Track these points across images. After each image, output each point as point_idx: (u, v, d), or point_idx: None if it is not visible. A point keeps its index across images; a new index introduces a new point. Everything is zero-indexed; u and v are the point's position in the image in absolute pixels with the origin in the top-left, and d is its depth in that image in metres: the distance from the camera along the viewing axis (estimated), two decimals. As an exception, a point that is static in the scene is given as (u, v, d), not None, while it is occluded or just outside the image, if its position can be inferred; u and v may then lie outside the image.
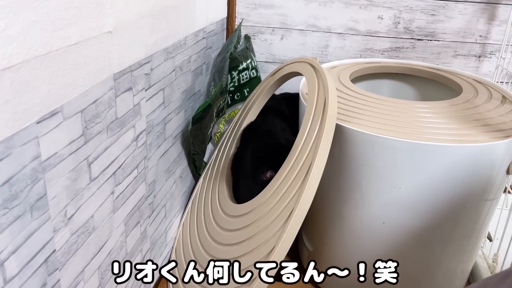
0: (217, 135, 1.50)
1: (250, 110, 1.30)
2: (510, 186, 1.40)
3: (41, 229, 0.64)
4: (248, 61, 1.48)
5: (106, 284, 0.88)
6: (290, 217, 0.83)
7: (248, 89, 1.51)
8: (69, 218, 0.72)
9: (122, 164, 0.88)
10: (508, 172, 1.02)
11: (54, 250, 0.69)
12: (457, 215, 1.02)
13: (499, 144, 0.94)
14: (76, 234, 0.74)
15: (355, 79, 1.38)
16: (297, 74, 1.20)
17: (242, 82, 1.49)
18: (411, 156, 0.94)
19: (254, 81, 1.50)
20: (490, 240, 1.39)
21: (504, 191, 1.37)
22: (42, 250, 0.65)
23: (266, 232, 0.87)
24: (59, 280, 0.71)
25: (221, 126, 1.53)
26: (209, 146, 1.48)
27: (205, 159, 1.43)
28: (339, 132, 0.98)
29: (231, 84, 1.47)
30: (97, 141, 0.77)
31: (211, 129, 1.32)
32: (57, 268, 0.70)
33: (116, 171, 0.86)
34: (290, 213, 0.84)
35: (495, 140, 0.95)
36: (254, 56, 1.54)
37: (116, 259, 0.91)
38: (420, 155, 0.93)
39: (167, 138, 1.13)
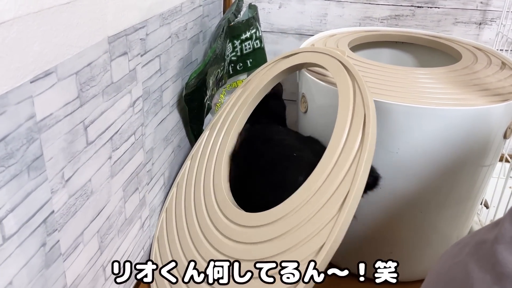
0: (218, 105, 1.50)
1: (253, 95, 1.17)
2: (508, 154, 1.41)
3: (38, 189, 0.65)
4: (253, 31, 1.46)
5: (106, 248, 0.90)
6: (345, 201, 0.79)
7: (251, 60, 1.49)
8: (67, 181, 0.72)
9: (119, 130, 0.89)
10: (505, 137, 1.02)
11: (53, 211, 0.69)
12: (453, 179, 1.03)
13: (496, 107, 0.94)
14: (74, 196, 0.75)
15: (354, 48, 1.37)
16: (319, 66, 1.07)
17: (245, 52, 1.48)
18: (408, 120, 0.94)
19: (258, 52, 1.49)
20: (487, 207, 1.40)
21: (501, 160, 1.37)
22: (40, 210, 0.66)
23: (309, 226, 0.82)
24: (58, 241, 0.72)
25: (222, 96, 1.53)
26: (210, 117, 1.47)
27: (204, 128, 1.43)
28: (336, 96, 0.98)
29: (233, 54, 1.46)
30: (93, 105, 0.77)
31: (208, 97, 1.31)
32: (56, 229, 0.71)
33: (113, 136, 0.86)
34: (345, 197, 0.80)
35: (493, 104, 0.94)
36: (260, 26, 1.52)
37: (115, 224, 0.92)
38: (417, 119, 0.93)
39: (164, 106, 1.13)
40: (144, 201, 1.07)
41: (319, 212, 0.81)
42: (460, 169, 1.01)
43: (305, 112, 1.12)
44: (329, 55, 1.04)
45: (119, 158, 0.90)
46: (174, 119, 1.23)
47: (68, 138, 0.71)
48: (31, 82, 0.60)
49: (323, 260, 0.76)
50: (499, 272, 0.39)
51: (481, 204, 1.37)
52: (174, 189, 1.19)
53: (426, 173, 1.00)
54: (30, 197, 0.63)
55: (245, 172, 1.07)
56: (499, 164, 1.42)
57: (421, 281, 0.55)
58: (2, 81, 0.54)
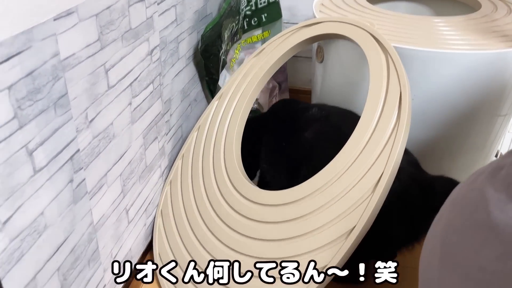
0: (233, 60, 1.50)
1: (267, 67, 1.11)
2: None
3: (64, 126, 0.67)
4: (268, -16, 1.44)
5: (128, 192, 0.93)
6: (379, 181, 0.77)
7: (265, 14, 1.48)
8: (90, 121, 0.75)
9: (138, 77, 0.90)
10: (523, 84, 1.02)
11: (78, 150, 0.72)
12: (469, 128, 1.03)
13: (514, 51, 0.93)
14: (97, 138, 0.78)
15: (372, 1, 1.35)
16: (347, 39, 1.00)
17: (259, 6, 1.47)
18: (425, 66, 0.94)
19: (273, 6, 1.47)
20: (502, 160, 1.40)
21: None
22: (67, 147, 0.69)
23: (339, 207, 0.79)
24: (84, 179, 0.75)
25: (237, 52, 1.53)
26: (224, 72, 1.48)
27: (220, 83, 1.44)
28: (353, 46, 0.98)
29: (248, 8, 1.45)
30: (113, 49, 0.79)
31: (223, 51, 1.32)
32: (82, 168, 0.74)
33: (132, 82, 0.88)
34: (379, 176, 0.78)
35: (510, 48, 0.93)
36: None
37: (136, 170, 0.95)
38: (434, 64, 0.93)
39: (180, 57, 1.14)
40: (163, 150, 1.10)
41: (350, 192, 0.79)
42: (475, 118, 1.02)
43: (321, 61, 1.12)
44: (358, 26, 0.98)
45: (139, 105, 0.93)
46: (190, 72, 1.24)
47: (91, 80, 0.73)
48: (54, 20, 0.61)
49: (352, 244, 0.75)
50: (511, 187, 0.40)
51: (495, 156, 1.37)
52: (179, 161, 1.13)
53: (442, 120, 1.00)
54: (57, 133, 0.66)
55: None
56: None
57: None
58: (27, 16, 0.56)
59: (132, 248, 1.00)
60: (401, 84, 0.85)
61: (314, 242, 0.79)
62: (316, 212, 0.82)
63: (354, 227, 0.76)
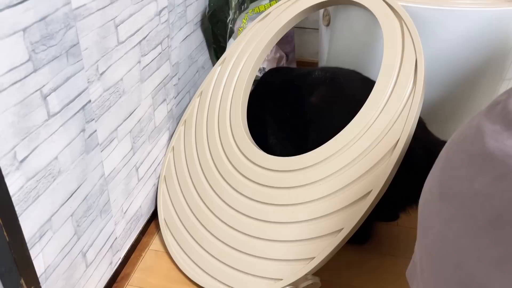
0: (240, 30, 1.51)
1: (273, 33, 1.10)
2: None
3: (76, 75, 0.70)
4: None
5: (138, 150, 0.96)
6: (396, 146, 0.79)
7: (272, -16, 1.48)
8: (101, 74, 0.77)
9: (146, 36, 0.92)
10: (528, 45, 1.02)
11: (90, 101, 0.75)
12: (474, 90, 1.04)
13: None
14: (108, 91, 0.80)
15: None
16: (359, 5, 0.98)
17: (267, -26, 1.47)
18: (429, 23, 0.94)
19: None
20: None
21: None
22: (79, 96, 0.71)
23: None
24: (95, 130, 0.78)
25: (244, 21, 1.53)
26: (232, 41, 1.49)
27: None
28: (360, 10, 0.98)
29: (254, -24, 1.45)
30: (122, 5, 0.80)
31: (230, 19, 1.33)
32: (93, 119, 0.77)
33: (141, 41, 0.90)
34: (396, 141, 0.79)
35: (516, 7, 0.94)
36: None
37: (145, 129, 0.98)
38: (438, 22, 0.93)
39: (188, 22, 1.16)
40: (172, 113, 1.12)
41: (367, 156, 0.81)
42: (480, 80, 1.02)
43: (327, 25, 1.13)
44: None
45: (148, 64, 0.95)
46: (198, 38, 1.25)
47: (101, 33, 0.75)
48: (66, -32, 0.63)
49: (369, 206, 0.76)
50: (509, 120, 0.42)
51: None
52: (181, 127, 1.13)
53: (447, 82, 1.01)
54: (70, 81, 0.68)
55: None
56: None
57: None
58: (40, -39, 0.58)
59: (142, 206, 1.03)
60: (417, 51, 0.86)
61: (330, 206, 0.81)
62: (332, 177, 0.83)
63: (371, 190, 0.78)
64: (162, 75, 1.03)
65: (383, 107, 0.83)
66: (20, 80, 0.58)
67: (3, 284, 0.62)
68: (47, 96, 0.64)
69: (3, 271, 0.61)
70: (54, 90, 0.65)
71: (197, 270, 0.93)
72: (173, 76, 1.10)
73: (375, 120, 0.83)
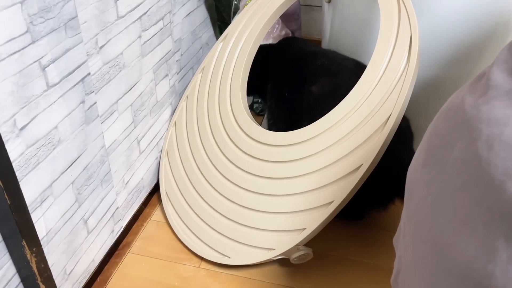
0: (245, 7, 1.51)
1: (274, 8, 1.11)
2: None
3: (75, 48, 0.72)
4: None
5: (139, 123, 0.99)
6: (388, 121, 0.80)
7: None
8: (100, 48, 0.79)
9: (147, 11, 0.94)
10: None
11: (89, 73, 0.77)
12: (475, 67, 1.03)
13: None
14: (108, 65, 0.82)
15: None
16: None
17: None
18: (435, 3, 0.94)
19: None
20: None
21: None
22: (78, 68, 0.74)
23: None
24: (95, 102, 0.80)
25: (248, -1, 1.53)
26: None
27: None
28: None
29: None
30: (121, -21, 0.82)
31: (235, -5, 1.33)
32: (93, 91, 0.79)
33: (141, 16, 0.92)
34: (388, 116, 0.80)
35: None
36: None
37: (147, 103, 1.00)
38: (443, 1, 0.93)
39: (191, -2, 1.17)
40: (174, 89, 1.15)
41: (359, 130, 0.82)
42: (481, 57, 1.02)
43: (329, 1, 1.13)
44: None
45: (149, 39, 0.96)
46: (202, 14, 1.26)
47: (100, 6, 0.77)
48: None
49: (359, 180, 0.79)
50: (488, 86, 0.43)
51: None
52: (183, 102, 1.15)
53: (447, 58, 1.01)
54: (68, 53, 0.71)
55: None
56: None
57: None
58: None
59: (144, 178, 1.06)
60: (412, 26, 0.86)
61: (321, 179, 0.83)
62: (325, 151, 0.85)
63: (361, 165, 0.79)
64: (164, 51, 1.05)
65: (377, 84, 0.84)
66: (19, 50, 0.61)
67: (7, 246, 0.66)
68: (46, 67, 0.66)
69: (5, 233, 0.65)
70: (53, 61, 0.67)
71: (196, 240, 0.97)
72: (176, 52, 1.12)
73: (368, 96, 0.84)
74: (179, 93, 1.18)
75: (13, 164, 0.63)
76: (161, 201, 1.08)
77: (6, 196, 0.62)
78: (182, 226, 1.00)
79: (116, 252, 0.97)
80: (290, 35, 1.62)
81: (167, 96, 1.11)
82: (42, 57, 0.65)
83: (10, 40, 0.59)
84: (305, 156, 0.87)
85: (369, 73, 0.85)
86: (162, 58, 1.04)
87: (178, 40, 1.13)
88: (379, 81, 0.84)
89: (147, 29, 0.95)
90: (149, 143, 1.06)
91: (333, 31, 1.19)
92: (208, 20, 1.33)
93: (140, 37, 0.93)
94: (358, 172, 0.79)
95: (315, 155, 0.86)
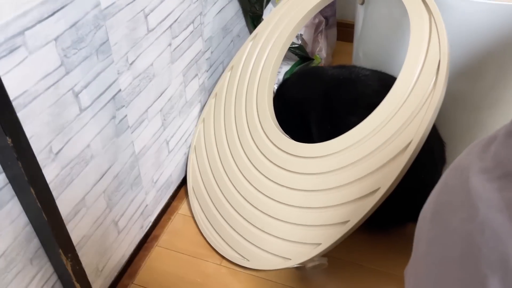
0: (277, 1, 1.49)
1: (305, 11, 1.10)
2: None
3: (106, 70, 0.75)
4: None
5: (168, 126, 1.03)
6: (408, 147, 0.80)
7: None
8: (131, 64, 0.82)
9: (177, 18, 0.95)
10: None
11: (120, 90, 0.81)
12: (505, 81, 1.00)
13: None
14: (138, 78, 0.86)
15: None
16: None
17: None
18: (465, 15, 0.90)
19: None
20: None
21: None
22: (109, 88, 0.77)
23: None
24: (126, 115, 0.84)
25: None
26: (270, 7, 1.48)
27: (264, 17, 1.44)
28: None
29: None
30: (152, -6, 0.83)
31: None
32: (123, 105, 0.83)
33: (172, 24, 0.93)
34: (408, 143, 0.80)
35: None
36: None
37: (176, 106, 1.03)
38: (476, 14, 0.89)
39: (223, -5, 1.17)
40: (203, 86, 1.17)
41: (378, 154, 0.83)
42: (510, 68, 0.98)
43: (362, 3, 1.10)
44: None
45: (179, 45, 0.98)
46: (233, 8, 1.26)
47: (130, 25, 0.79)
48: (94, -27, 0.67)
49: (376, 203, 0.80)
50: (492, 160, 0.43)
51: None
52: (212, 100, 1.17)
53: (478, 72, 0.98)
54: (100, 76, 0.74)
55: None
56: None
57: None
58: (69, -28, 0.62)
59: (173, 174, 1.11)
60: (441, 51, 0.84)
61: (339, 197, 0.85)
62: (343, 170, 0.86)
63: (379, 188, 0.81)
64: (194, 52, 1.07)
65: (400, 107, 0.84)
66: (54, 84, 0.65)
67: (46, 252, 0.74)
68: (79, 93, 0.70)
69: (44, 242, 0.72)
70: (85, 87, 0.71)
71: (218, 239, 1.02)
72: (206, 51, 1.14)
73: (391, 119, 0.84)
74: (208, 89, 1.20)
75: (50, 185, 0.68)
76: (188, 195, 1.13)
77: (44, 215, 0.68)
78: (206, 223, 1.06)
79: (145, 245, 1.05)
80: (323, 22, 1.59)
81: (196, 95, 1.14)
82: (75, 85, 0.69)
83: (45, 76, 0.63)
84: (322, 171, 0.89)
85: (393, 96, 0.85)
86: (192, 60, 1.06)
87: (209, 39, 1.14)
88: (402, 105, 0.84)
89: (177, 36, 0.97)
90: (178, 142, 1.10)
91: (363, 34, 1.17)
92: (240, 12, 1.32)
93: (170, 44, 0.95)
94: (375, 195, 0.81)
95: (333, 172, 0.88)
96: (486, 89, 1.01)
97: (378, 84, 1.00)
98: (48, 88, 0.64)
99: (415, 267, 0.53)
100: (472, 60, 0.96)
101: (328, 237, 0.85)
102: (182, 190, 1.18)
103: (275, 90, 1.49)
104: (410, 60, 0.86)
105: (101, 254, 0.88)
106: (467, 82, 1.00)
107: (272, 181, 0.97)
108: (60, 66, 0.65)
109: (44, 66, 0.62)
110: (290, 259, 0.89)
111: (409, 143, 0.81)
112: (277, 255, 0.92)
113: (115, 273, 0.95)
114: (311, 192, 0.90)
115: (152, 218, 1.06)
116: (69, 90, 0.68)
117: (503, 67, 0.97)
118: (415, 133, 0.80)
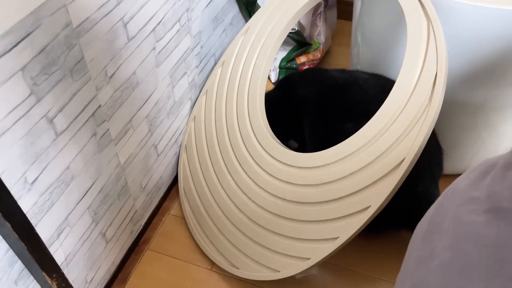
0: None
1: (292, 14, 1.05)
2: None
3: (83, 89, 0.72)
4: None
5: (156, 130, 0.99)
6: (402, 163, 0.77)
7: None
8: (110, 77, 0.78)
9: (161, 20, 0.90)
10: None
11: (99, 106, 0.77)
12: (504, 88, 0.95)
13: None
14: (119, 90, 0.82)
15: None
16: None
17: None
18: (466, 20, 0.85)
19: None
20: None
21: None
22: (87, 106, 0.74)
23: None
24: (108, 129, 0.81)
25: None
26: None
27: (259, 2, 1.37)
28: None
29: None
30: (130, 0, 0.78)
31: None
32: (105, 120, 0.80)
33: (155, 27, 0.88)
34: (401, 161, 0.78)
35: None
36: None
37: (164, 108, 1.00)
38: (478, 19, 0.84)
39: (212, -14, 1.10)
40: (193, 83, 1.13)
41: (370, 170, 0.80)
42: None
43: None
44: None
45: (164, 47, 0.94)
46: (224, -3, 1.20)
47: (108, 38, 0.75)
48: (62, -8, 0.62)
49: (366, 222, 0.79)
50: (488, 192, 0.41)
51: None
52: (202, 97, 1.14)
53: (480, 78, 0.93)
54: (76, 96, 0.71)
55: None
56: None
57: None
58: (33, -5, 0.57)
59: (163, 176, 1.09)
60: (439, 64, 0.79)
61: (326, 213, 0.83)
62: (333, 184, 0.84)
63: (370, 206, 0.78)
64: (181, 51, 1.02)
65: (394, 122, 0.80)
66: (24, 114, 0.61)
67: (30, 273, 0.73)
68: (53, 118, 0.67)
69: (28, 268, 0.71)
70: (60, 110, 0.68)
71: (209, 244, 1.02)
72: (195, 47, 1.09)
73: (384, 133, 0.80)
74: (199, 85, 1.16)
75: (28, 214, 0.67)
76: (180, 196, 1.12)
77: (22, 244, 0.66)
78: (197, 227, 1.05)
79: (136, 248, 1.04)
80: (322, 4, 1.51)
81: (186, 93, 1.10)
82: (48, 111, 0.66)
83: (14, 109, 0.59)
84: (312, 183, 0.87)
85: (387, 109, 0.81)
86: (180, 58, 1.02)
87: (198, 34, 1.08)
88: (395, 120, 0.80)
89: (162, 38, 0.92)
90: (167, 143, 1.07)
91: (360, 29, 1.11)
92: (233, 0, 1.25)
93: (154, 48, 0.90)
94: (366, 213, 0.79)
95: (323, 185, 0.85)
96: (487, 94, 0.96)
97: (376, 90, 0.96)
98: (18, 120, 0.61)
99: (403, 279, 0.51)
100: (472, 64, 0.91)
101: (317, 253, 0.83)
102: (173, 190, 1.16)
103: (270, 78, 1.45)
104: (405, 72, 0.81)
105: (89, 267, 0.87)
106: (466, 87, 0.95)
107: (261, 188, 0.95)
108: (29, 95, 0.61)
109: (11, 99, 0.59)
110: (279, 271, 0.88)
111: (402, 161, 0.77)
112: (266, 266, 0.91)
113: (105, 281, 0.95)
114: (302, 204, 0.88)
115: (143, 222, 1.05)
116: (42, 118, 0.65)
117: (506, 72, 0.92)
118: (409, 150, 0.77)
